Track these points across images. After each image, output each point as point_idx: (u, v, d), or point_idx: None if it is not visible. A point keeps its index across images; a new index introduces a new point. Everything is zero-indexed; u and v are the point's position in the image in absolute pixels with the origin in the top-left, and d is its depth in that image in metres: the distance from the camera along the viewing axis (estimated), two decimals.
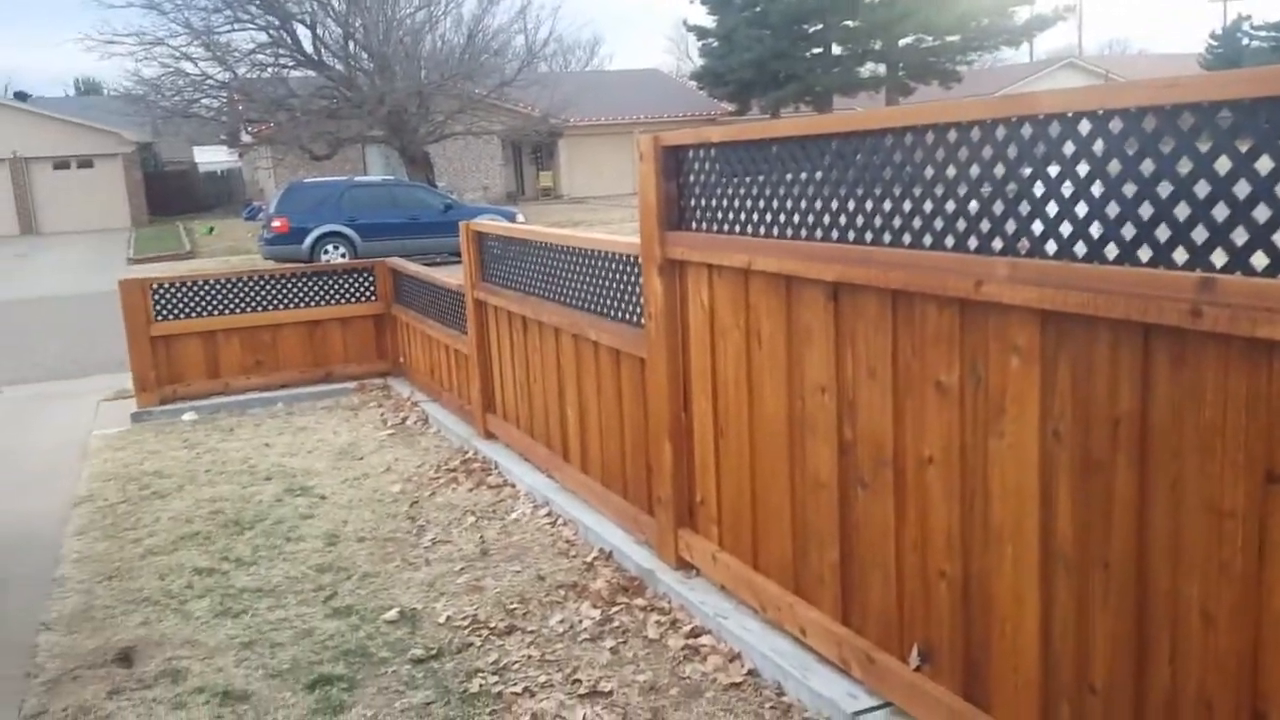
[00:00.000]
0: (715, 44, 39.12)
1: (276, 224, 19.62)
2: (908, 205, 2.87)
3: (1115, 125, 2.26)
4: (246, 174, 43.95)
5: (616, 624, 4.07)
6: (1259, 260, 2.01)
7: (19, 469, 7.02)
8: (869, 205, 3.01)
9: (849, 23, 35.96)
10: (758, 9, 36.45)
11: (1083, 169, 2.35)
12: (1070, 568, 2.50)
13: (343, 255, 19.39)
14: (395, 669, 3.83)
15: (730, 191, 3.72)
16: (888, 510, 3.10)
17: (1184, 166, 2.13)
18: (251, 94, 25.11)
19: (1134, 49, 76.22)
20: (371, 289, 8.89)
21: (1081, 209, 2.36)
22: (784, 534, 3.65)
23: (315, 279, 8.79)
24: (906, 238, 2.89)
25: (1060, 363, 2.45)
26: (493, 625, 4.12)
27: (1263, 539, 2.06)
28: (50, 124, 37.12)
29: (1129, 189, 2.25)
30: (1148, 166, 2.21)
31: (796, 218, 3.36)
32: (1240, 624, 2.12)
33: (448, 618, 4.23)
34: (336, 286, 8.82)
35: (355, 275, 8.91)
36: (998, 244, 2.59)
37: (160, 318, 8.26)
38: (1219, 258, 2.07)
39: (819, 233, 3.25)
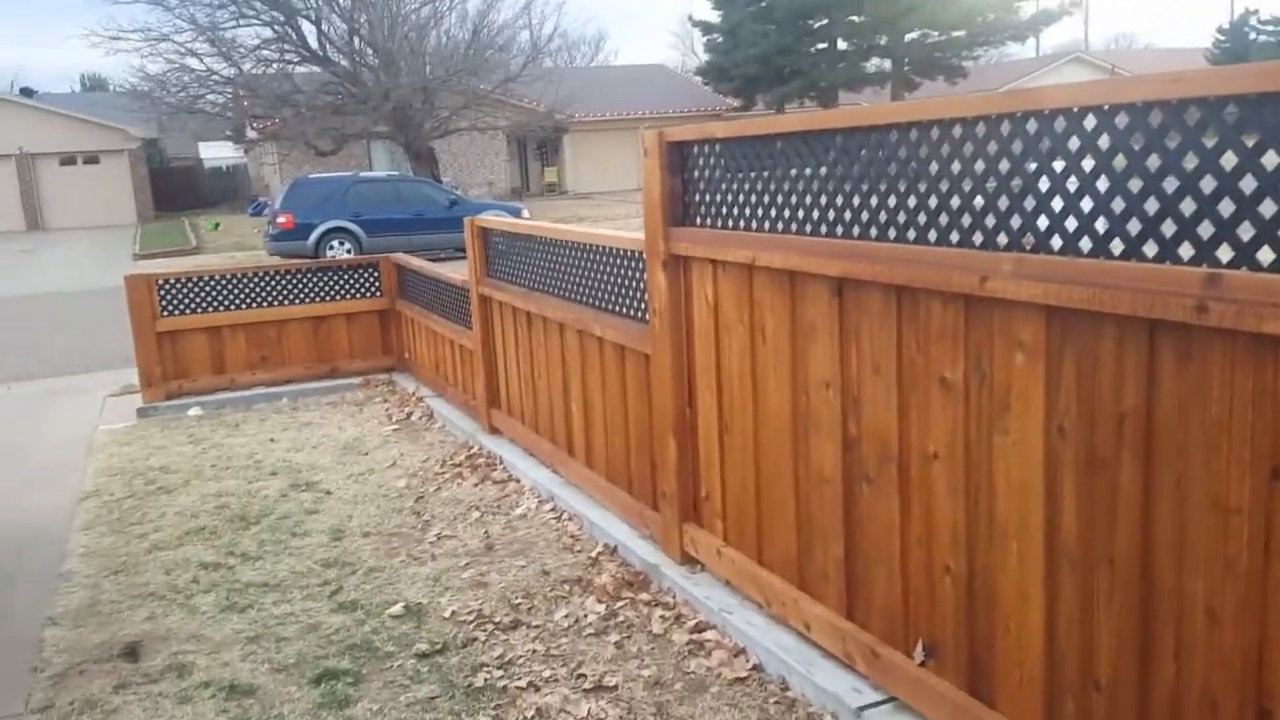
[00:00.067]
0: (720, 39, 39.05)
1: (282, 220, 19.64)
2: (912, 201, 2.86)
3: (1121, 120, 2.25)
4: (252, 170, 44.02)
5: (621, 619, 4.08)
6: (1265, 255, 2.00)
7: (26, 464, 7.04)
8: (873, 201, 3.01)
9: (854, 18, 35.87)
10: (763, 4, 36.38)
11: (1088, 164, 2.35)
12: (1075, 564, 2.50)
13: (348, 251, 19.41)
14: (400, 663, 3.84)
15: (735, 187, 3.72)
16: (892, 506, 3.10)
17: (1190, 162, 2.12)
18: (256, 90, 25.16)
19: (1140, 43, 76.00)
20: (376, 284, 8.90)
21: (1087, 204, 2.36)
22: (788, 529, 3.65)
23: (320, 274, 8.81)
24: (911, 233, 2.88)
25: (1065, 359, 2.45)
26: (497, 620, 4.13)
27: (1268, 536, 2.06)
28: (56, 120, 37.19)
29: (1135, 184, 2.24)
30: (1153, 162, 2.20)
31: (801, 213, 3.35)
32: (1245, 621, 2.12)
33: (453, 612, 4.23)
34: (342, 282, 8.83)
35: (360, 271, 8.92)
36: (1003, 240, 2.59)
37: (166, 313, 8.28)
38: (1225, 253, 2.06)
39: (823, 228, 3.25)
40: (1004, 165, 2.57)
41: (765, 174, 3.53)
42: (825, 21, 36.49)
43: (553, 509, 5.38)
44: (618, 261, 4.75)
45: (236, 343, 8.55)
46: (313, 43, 25.53)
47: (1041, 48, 50.07)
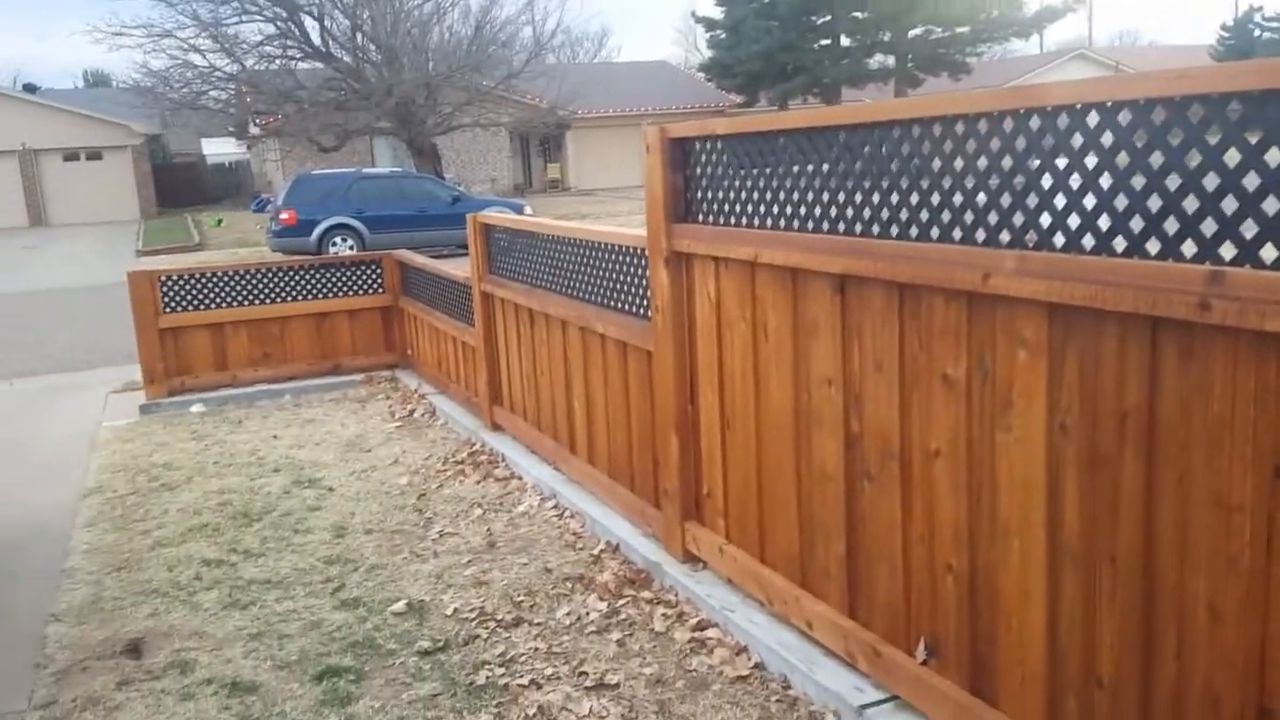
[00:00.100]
0: (723, 36, 39.03)
1: (284, 216, 19.65)
2: (915, 198, 2.86)
3: (1124, 117, 2.25)
4: (255, 166, 44.02)
5: (623, 616, 4.08)
6: (1268, 253, 2.00)
7: (29, 460, 7.05)
8: (876, 198, 3.00)
9: (857, 14, 35.85)
10: (766, 0, 36.34)
11: (1091, 161, 2.34)
12: (1077, 562, 2.49)
13: (350, 247, 19.41)
14: (402, 661, 3.85)
15: (737, 184, 3.71)
16: (894, 503, 3.10)
17: (1193, 159, 2.12)
18: (259, 86, 25.16)
19: (1145, 40, 75.84)
20: (379, 281, 8.90)
21: (1089, 201, 2.35)
22: (790, 527, 3.65)
23: (323, 271, 8.81)
24: (913, 230, 2.88)
25: (1068, 356, 2.44)
26: (500, 617, 4.13)
27: (1270, 533, 2.05)
28: (59, 116, 37.19)
29: (1138, 181, 2.24)
30: (1156, 159, 2.19)
31: (803, 210, 3.35)
32: (1248, 619, 2.11)
33: (455, 610, 4.23)
34: (344, 279, 8.83)
35: (363, 267, 8.92)
36: (1005, 236, 2.58)
37: (169, 310, 8.28)
38: (1228, 250, 2.06)
39: (825, 225, 3.24)
40: (1007, 162, 2.56)
41: (767, 171, 3.52)
42: (828, 18, 36.47)
43: (555, 506, 5.38)
44: (620, 258, 4.74)
45: (239, 339, 8.56)
46: (315, 39, 25.55)
47: (1045, 44, 49.99)
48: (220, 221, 31.56)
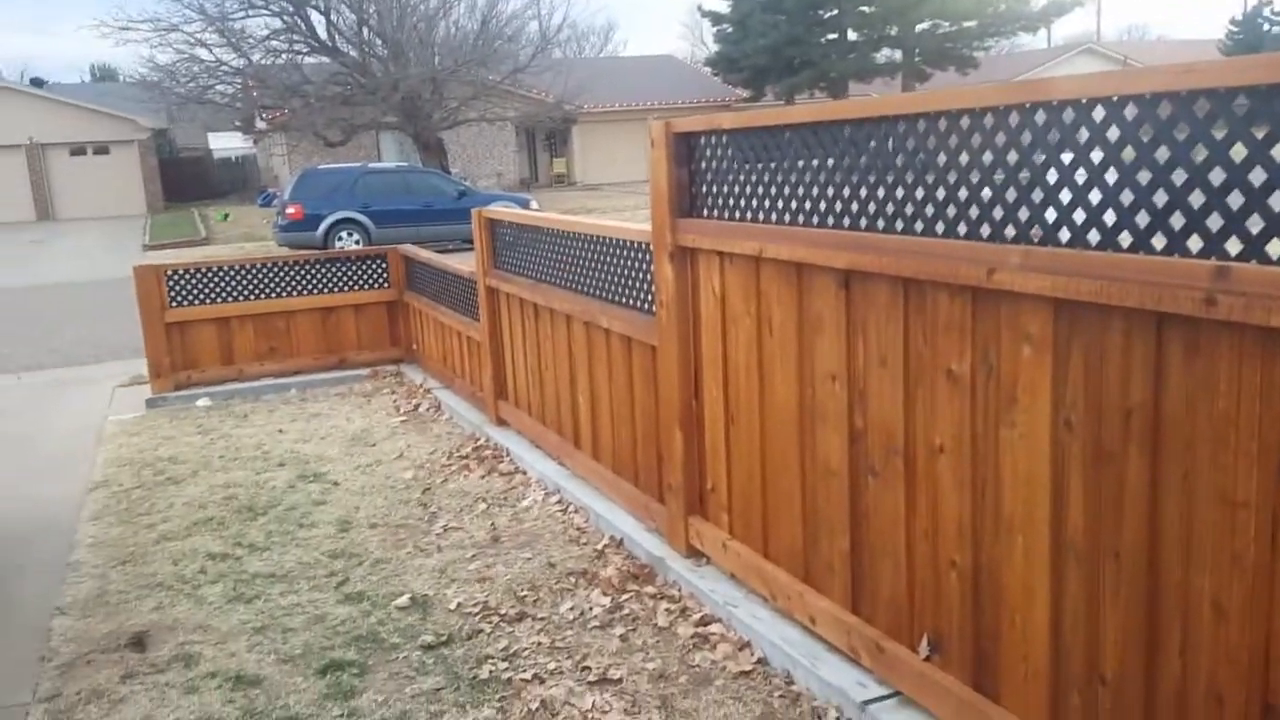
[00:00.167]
0: (730, 30, 38.94)
1: (291, 211, 19.67)
2: (920, 192, 2.85)
3: (1130, 111, 2.23)
4: (261, 160, 44.06)
5: (626, 611, 4.08)
6: (1275, 249, 1.99)
7: (36, 454, 7.07)
8: (881, 192, 2.99)
9: (864, 8, 35.74)
10: None
11: (1097, 156, 2.33)
12: (1081, 558, 2.48)
13: (357, 242, 19.44)
14: (406, 655, 3.85)
15: (742, 178, 3.70)
16: (898, 499, 3.09)
17: (1199, 154, 2.10)
18: (266, 80, 25.15)
19: (1153, 35, 75.59)
20: (384, 276, 8.90)
21: (1095, 196, 2.34)
22: (794, 522, 3.64)
23: (329, 266, 8.81)
24: (919, 225, 2.86)
25: (1073, 352, 2.43)
26: (503, 612, 4.13)
27: (1275, 530, 2.04)
28: (66, 110, 37.26)
29: (1143, 176, 2.22)
30: (1162, 154, 2.18)
31: (808, 205, 3.34)
32: (1252, 616, 2.10)
33: (458, 604, 4.24)
34: (350, 273, 8.84)
35: (368, 262, 8.92)
36: (1010, 231, 2.57)
37: (175, 304, 8.29)
38: (1234, 246, 2.05)
39: (830, 220, 3.23)
40: (1012, 157, 2.55)
41: (773, 165, 3.51)
42: (835, 12, 36.37)
43: (559, 501, 5.39)
44: (624, 253, 4.73)
45: (245, 333, 8.57)
46: (322, 33, 25.52)
47: (1053, 39, 49.87)
48: (227, 216, 31.60)
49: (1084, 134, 2.35)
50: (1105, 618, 2.44)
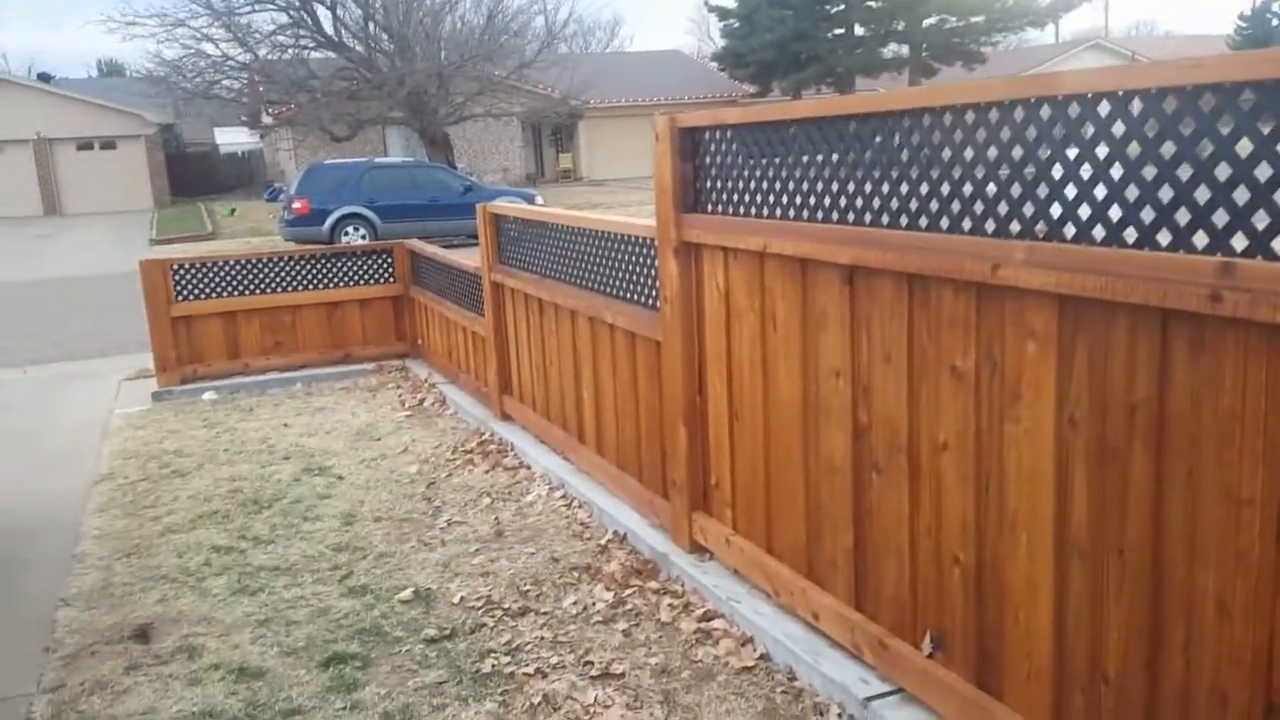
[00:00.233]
0: (736, 25, 38.86)
1: (297, 205, 19.69)
2: (924, 188, 2.84)
3: (1135, 106, 2.22)
4: (268, 155, 44.12)
5: (629, 607, 4.08)
6: None
7: (42, 447, 7.09)
8: (885, 188, 2.98)
9: (872, 3, 35.65)
10: None
11: (1102, 151, 2.31)
12: (1085, 556, 2.48)
13: (363, 237, 19.45)
14: (409, 648, 3.85)
15: (746, 173, 3.69)
16: (902, 495, 3.08)
17: (1205, 149, 2.09)
18: (272, 75, 25.21)
19: (1161, 30, 75.30)
20: (390, 271, 8.91)
21: (1100, 192, 2.32)
22: (797, 518, 3.64)
23: (334, 260, 8.82)
24: (923, 220, 2.85)
25: (1077, 348, 2.42)
26: (506, 606, 4.14)
27: None
28: (73, 105, 37.33)
29: (1149, 172, 2.21)
30: (1168, 149, 2.17)
31: (813, 200, 3.33)
32: (1257, 615, 2.09)
33: (462, 598, 4.24)
34: (355, 268, 8.84)
35: (374, 257, 8.93)
36: (1015, 227, 2.56)
37: (181, 298, 8.31)
38: (1239, 242, 2.03)
39: (835, 215, 3.22)
40: (1017, 152, 2.54)
41: (777, 160, 3.50)
42: (842, 7, 36.28)
43: (563, 496, 5.39)
44: (629, 248, 4.73)
45: (251, 328, 8.58)
46: (328, 28, 25.56)
47: (1061, 34, 49.70)
48: (233, 211, 31.65)
49: (1089, 129, 2.33)
50: (1109, 615, 2.43)
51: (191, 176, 41.26)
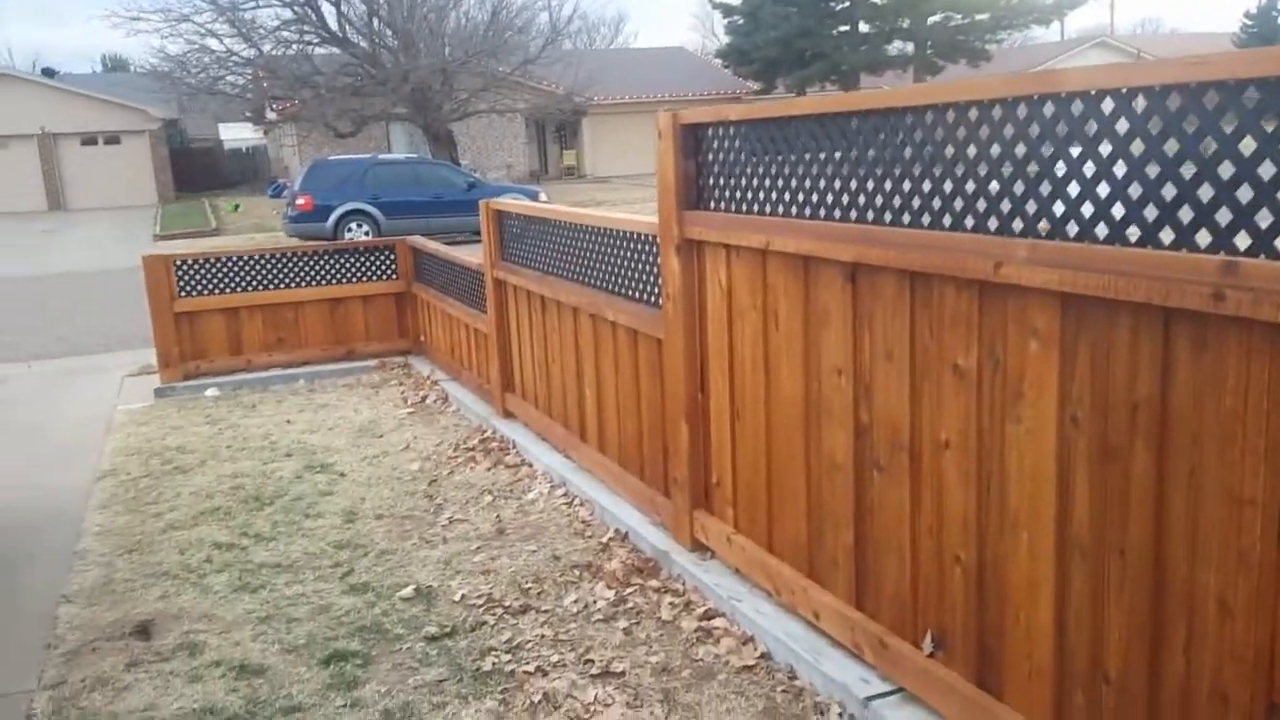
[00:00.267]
0: (741, 21, 38.83)
1: (301, 202, 19.69)
2: (927, 185, 2.82)
3: (1139, 104, 2.21)
4: (272, 151, 44.14)
5: (630, 605, 4.07)
6: None
7: (46, 443, 7.09)
8: (888, 185, 2.97)
9: (876, 0, 35.58)
10: None
11: (1105, 149, 2.30)
12: (1086, 555, 2.47)
13: (366, 233, 19.44)
14: (409, 646, 3.85)
15: (749, 170, 3.68)
16: (903, 494, 3.07)
17: (1208, 147, 2.08)
18: (276, 71, 25.20)
19: (1167, 28, 75.12)
20: (393, 267, 8.90)
21: (1103, 190, 2.31)
22: (799, 517, 3.63)
23: (337, 257, 8.82)
24: (926, 218, 2.84)
25: (1080, 347, 2.41)
26: (507, 604, 4.13)
27: None
28: (77, 100, 37.34)
29: (1152, 170, 2.20)
30: (1171, 146, 2.16)
31: (815, 197, 3.32)
32: (1258, 615, 2.08)
33: (463, 596, 4.24)
34: (358, 264, 8.84)
35: (377, 253, 8.92)
36: (1018, 225, 2.55)
37: (184, 294, 8.31)
38: (1242, 240, 2.02)
39: (837, 212, 3.21)
40: (1020, 149, 2.53)
41: (780, 157, 3.49)
42: (847, 4, 36.24)
43: (565, 494, 5.38)
44: (631, 245, 4.72)
45: (254, 324, 8.58)
46: (332, 24, 25.56)
47: (1066, 32, 49.57)
48: (237, 206, 31.67)
49: (1092, 126, 2.32)
50: (1110, 615, 2.43)
51: (196, 172, 41.28)
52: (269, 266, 8.55)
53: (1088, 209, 2.35)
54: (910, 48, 36.97)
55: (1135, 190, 2.24)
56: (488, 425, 6.70)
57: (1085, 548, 2.47)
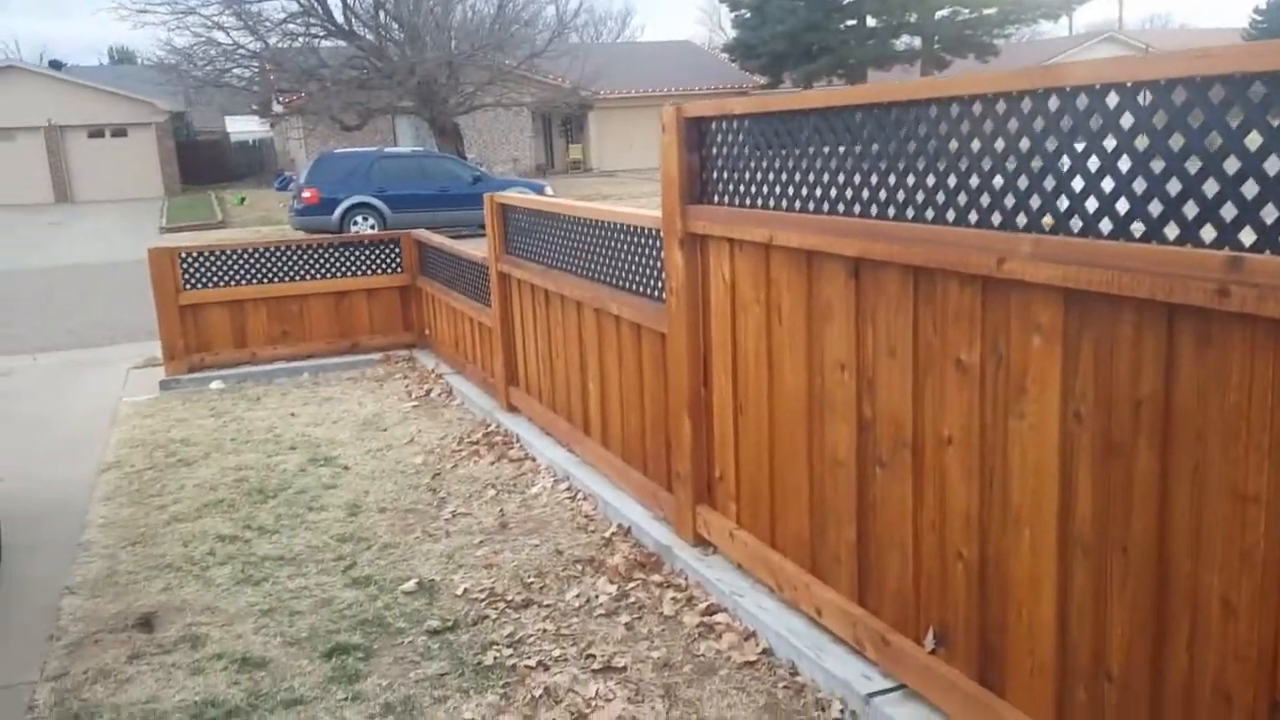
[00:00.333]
0: (748, 15, 38.75)
1: (307, 195, 19.70)
2: (931, 179, 2.81)
3: (1144, 98, 2.19)
4: (278, 144, 44.17)
5: (632, 600, 4.07)
6: None
7: (51, 435, 7.11)
8: (892, 179, 2.96)
9: None
10: None
11: (1109, 143, 2.29)
12: (1089, 552, 2.45)
13: (372, 226, 19.45)
14: (411, 640, 3.85)
15: (752, 164, 3.67)
16: (906, 490, 3.06)
17: (1214, 141, 2.06)
18: (283, 64, 25.20)
19: (1176, 23, 74.82)
20: (397, 260, 8.90)
21: (1108, 185, 2.30)
22: (801, 512, 3.62)
23: (341, 250, 8.82)
24: (929, 213, 2.83)
25: (1083, 342, 2.40)
26: (509, 598, 4.13)
27: None
28: (84, 93, 37.38)
29: (1157, 165, 2.19)
30: (1176, 141, 2.14)
31: (819, 191, 3.30)
32: (1261, 613, 2.07)
33: (465, 590, 4.24)
34: (363, 258, 8.84)
35: (382, 247, 8.92)
36: (1021, 220, 2.53)
37: (189, 287, 8.32)
38: (1248, 236, 2.01)
39: (841, 207, 3.20)
40: (1024, 144, 2.51)
41: (784, 151, 3.48)
42: None
43: (568, 488, 5.38)
44: (635, 239, 4.71)
45: (258, 317, 8.59)
46: (338, 16, 25.52)
47: (1075, 27, 49.35)
48: (243, 199, 31.69)
49: (1097, 121, 2.31)
50: (1112, 612, 2.41)
51: (202, 165, 41.31)
52: (274, 259, 8.55)
53: (1092, 204, 2.34)
54: (918, 42, 36.86)
55: (1140, 185, 2.22)
56: (492, 419, 6.70)
57: (1088, 544, 2.45)
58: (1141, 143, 2.21)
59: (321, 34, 25.83)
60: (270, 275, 8.54)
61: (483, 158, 32.39)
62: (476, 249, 7.35)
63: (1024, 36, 44.28)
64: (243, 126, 47.05)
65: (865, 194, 3.08)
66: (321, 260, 8.70)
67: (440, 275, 8.20)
